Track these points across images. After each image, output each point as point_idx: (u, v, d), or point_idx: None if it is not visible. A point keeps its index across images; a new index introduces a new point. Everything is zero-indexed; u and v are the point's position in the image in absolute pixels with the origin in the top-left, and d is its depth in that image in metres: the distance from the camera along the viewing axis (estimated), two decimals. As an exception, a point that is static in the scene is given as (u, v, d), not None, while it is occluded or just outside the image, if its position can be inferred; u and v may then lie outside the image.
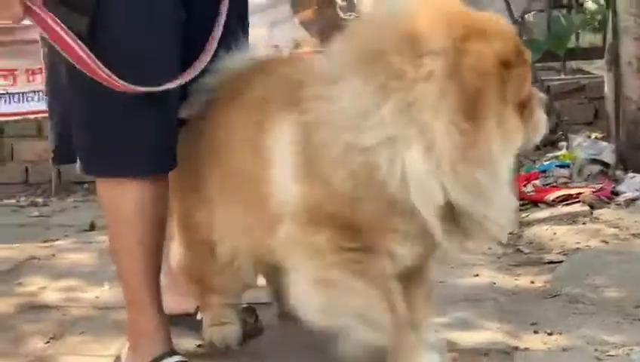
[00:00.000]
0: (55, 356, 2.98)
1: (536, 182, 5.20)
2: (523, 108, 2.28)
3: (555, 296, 3.38)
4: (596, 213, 4.58)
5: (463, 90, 2.14)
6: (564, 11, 7.27)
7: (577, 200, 4.81)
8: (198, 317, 3.02)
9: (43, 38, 2.63)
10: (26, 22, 2.47)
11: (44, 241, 4.77)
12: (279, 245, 2.44)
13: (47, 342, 3.11)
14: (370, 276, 2.35)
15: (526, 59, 2.30)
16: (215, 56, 2.70)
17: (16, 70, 6.56)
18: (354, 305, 2.37)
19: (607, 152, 5.38)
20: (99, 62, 2.43)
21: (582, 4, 7.13)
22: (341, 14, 2.74)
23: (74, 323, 3.29)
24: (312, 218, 2.34)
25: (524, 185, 5.15)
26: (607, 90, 5.60)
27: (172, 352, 2.70)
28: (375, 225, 2.31)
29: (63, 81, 2.61)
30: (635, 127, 5.28)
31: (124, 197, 2.61)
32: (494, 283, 3.58)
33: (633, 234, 4.18)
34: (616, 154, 5.31)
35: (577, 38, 7.32)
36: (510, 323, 3.07)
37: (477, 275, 3.71)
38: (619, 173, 5.19)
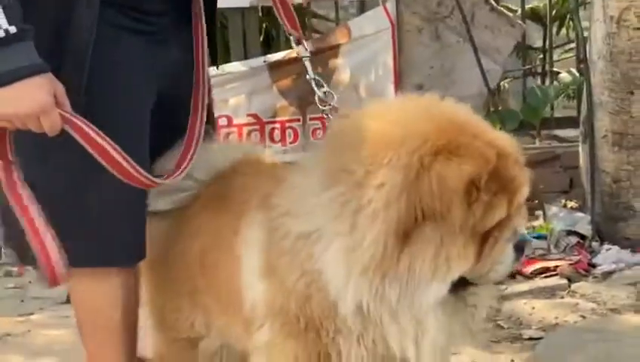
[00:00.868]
0: None
1: (514, 253, 5.21)
2: (486, 238, 2.13)
3: (535, 376, 3.39)
4: (574, 286, 4.61)
5: (407, 206, 2.06)
6: (539, 80, 7.38)
7: (555, 272, 4.84)
8: None
9: None
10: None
11: (20, 315, 4.71)
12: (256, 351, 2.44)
13: None
14: None
15: (506, 186, 2.12)
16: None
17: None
18: None
19: (583, 223, 5.43)
20: (134, 163, 2.38)
21: (557, 74, 7.24)
22: (316, 90, 2.74)
23: (51, 407, 3.24)
24: (284, 325, 2.32)
25: (503, 257, 5.16)
26: (582, 161, 5.66)
27: None
28: (324, 324, 2.27)
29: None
30: (610, 200, 5.33)
31: (98, 289, 2.62)
32: (475, 363, 3.59)
33: (610, 309, 4.21)
34: (592, 226, 5.36)
35: (552, 108, 7.43)
36: (491, 407, 3.07)
37: (458, 353, 3.70)
38: (595, 244, 5.23)
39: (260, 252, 2.37)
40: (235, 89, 6.22)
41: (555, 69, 7.37)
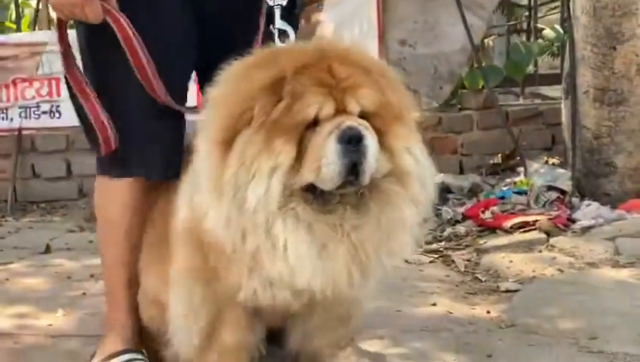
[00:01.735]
0: (5, 387, 2.93)
1: (495, 208, 5.23)
2: (305, 137, 2.19)
3: (510, 326, 3.39)
4: (552, 240, 4.62)
5: (224, 116, 2.24)
6: (524, 37, 7.35)
7: (534, 227, 4.85)
8: None
9: None
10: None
11: (-2, 264, 4.70)
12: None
13: (-2, 372, 3.06)
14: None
15: (324, 83, 2.20)
16: None
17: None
18: None
19: (563, 179, 5.44)
20: (156, 73, 2.63)
21: (541, 31, 7.21)
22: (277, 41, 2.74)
23: (25, 353, 3.22)
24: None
25: (483, 212, 5.19)
26: (564, 118, 5.66)
27: (130, 350, 2.85)
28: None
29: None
30: (590, 156, 5.34)
31: (110, 200, 2.86)
32: (451, 313, 3.59)
33: (588, 263, 4.22)
34: (573, 182, 5.37)
35: (536, 64, 7.42)
36: (466, 355, 3.07)
37: (434, 304, 3.72)
38: (575, 200, 5.25)
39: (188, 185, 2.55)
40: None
41: (539, 26, 7.32)
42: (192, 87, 2.94)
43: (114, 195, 2.85)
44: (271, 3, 2.69)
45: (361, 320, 2.86)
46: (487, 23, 6.73)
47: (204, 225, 2.32)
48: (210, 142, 2.28)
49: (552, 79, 7.28)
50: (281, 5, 2.72)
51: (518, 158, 6.10)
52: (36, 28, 7.79)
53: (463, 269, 4.36)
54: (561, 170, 5.64)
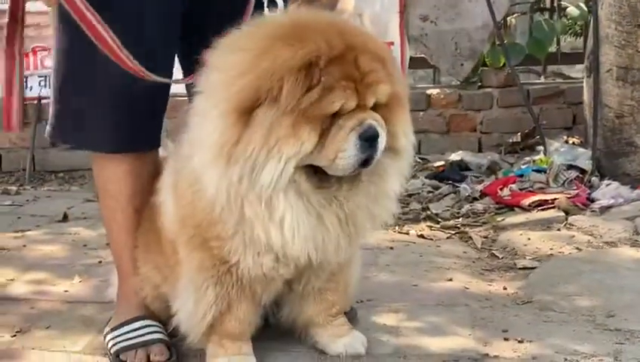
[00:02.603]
0: (20, 350, 2.93)
1: (513, 186, 5.20)
2: (329, 124, 2.29)
3: (527, 302, 3.37)
4: (571, 219, 4.58)
5: (246, 86, 2.25)
6: (547, 15, 7.27)
7: (553, 205, 4.81)
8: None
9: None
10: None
11: (16, 231, 4.71)
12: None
13: (14, 336, 3.06)
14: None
15: (354, 77, 2.29)
16: None
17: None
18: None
19: (583, 158, 5.39)
20: (123, 48, 2.58)
21: (564, 9, 7.12)
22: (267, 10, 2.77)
23: (41, 317, 3.24)
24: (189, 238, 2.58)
25: (501, 189, 5.15)
26: (586, 96, 5.60)
27: (142, 317, 2.89)
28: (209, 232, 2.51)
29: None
30: (612, 135, 5.28)
31: (108, 171, 2.88)
32: (467, 289, 3.57)
33: (607, 242, 4.19)
34: (593, 161, 5.32)
35: (558, 43, 7.34)
36: (482, 330, 3.06)
37: (450, 279, 3.70)
38: (595, 179, 5.20)
39: (170, 175, 2.67)
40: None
41: (563, 3, 7.23)
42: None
43: (111, 164, 2.87)
44: None
45: (353, 289, 2.96)
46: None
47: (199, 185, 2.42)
48: (223, 107, 2.29)
49: (575, 58, 7.20)
50: None
51: (538, 137, 6.05)
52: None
53: (479, 246, 4.33)
54: (582, 149, 5.58)
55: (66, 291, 3.58)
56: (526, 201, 4.89)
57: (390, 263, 3.98)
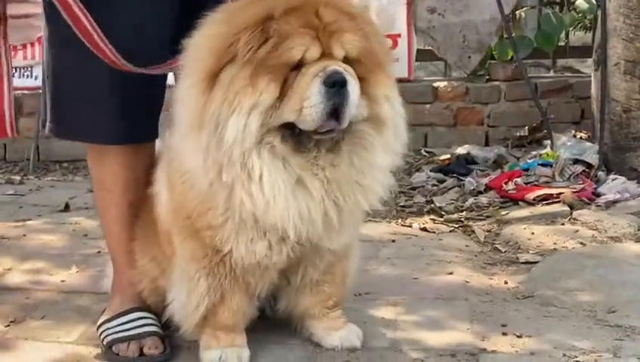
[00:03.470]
0: (14, 340, 2.91)
1: (518, 180, 5.15)
2: (291, 78, 2.25)
3: (527, 297, 3.33)
4: (576, 213, 4.53)
5: (211, 51, 2.26)
6: (556, 9, 7.20)
7: (558, 200, 4.76)
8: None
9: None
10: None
11: (16, 221, 4.69)
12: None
13: (7, 326, 3.04)
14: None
15: (313, 24, 2.26)
16: None
17: (-4, 46, 6.51)
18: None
19: (590, 153, 5.33)
20: (105, 40, 2.54)
21: (573, 3, 7.06)
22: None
23: (36, 307, 3.22)
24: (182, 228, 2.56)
25: (506, 183, 5.10)
26: (594, 90, 5.55)
27: (136, 309, 2.87)
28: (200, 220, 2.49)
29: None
30: (619, 129, 5.22)
31: (103, 164, 2.86)
32: (468, 282, 3.53)
33: (611, 238, 4.14)
34: (600, 156, 5.26)
35: (567, 36, 7.28)
36: (480, 324, 3.02)
37: (451, 273, 3.66)
38: (601, 174, 5.14)
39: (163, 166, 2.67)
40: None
41: (572, -2, 7.17)
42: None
43: (107, 157, 2.84)
44: None
45: (350, 281, 2.92)
46: (518, -8, 6.62)
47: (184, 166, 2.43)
48: (192, 78, 2.30)
49: (584, 51, 7.13)
50: None
51: (545, 131, 5.99)
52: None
53: (482, 240, 4.29)
54: (589, 144, 5.52)
55: (62, 281, 3.55)
56: (531, 195, 4.85)
57: (391, 256, 3.94)
